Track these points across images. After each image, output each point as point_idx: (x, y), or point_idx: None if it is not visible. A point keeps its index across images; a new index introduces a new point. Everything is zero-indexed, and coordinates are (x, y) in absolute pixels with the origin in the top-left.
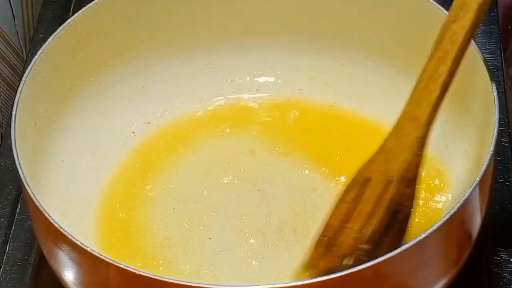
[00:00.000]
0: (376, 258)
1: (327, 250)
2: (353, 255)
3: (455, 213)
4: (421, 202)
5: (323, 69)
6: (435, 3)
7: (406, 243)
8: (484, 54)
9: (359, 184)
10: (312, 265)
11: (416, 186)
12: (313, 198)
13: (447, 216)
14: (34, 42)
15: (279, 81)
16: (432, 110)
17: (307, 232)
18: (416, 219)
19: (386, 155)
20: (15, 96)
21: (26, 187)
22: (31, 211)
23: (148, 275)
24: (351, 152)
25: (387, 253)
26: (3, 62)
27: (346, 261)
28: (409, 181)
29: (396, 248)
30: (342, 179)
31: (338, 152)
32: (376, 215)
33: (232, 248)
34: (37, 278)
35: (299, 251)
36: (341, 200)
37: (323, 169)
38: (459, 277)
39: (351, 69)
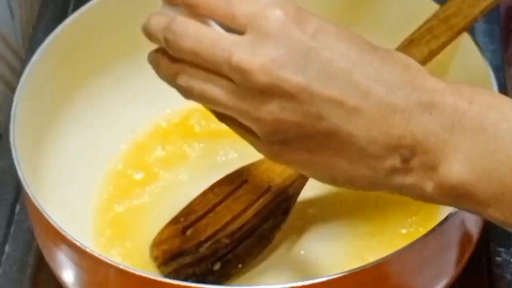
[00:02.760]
0: (233, 255)
1: (182, 231)
2: (210, 245)
3: (456, 213)
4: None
5: None
6: (434, 2)
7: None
8: (486, 54)
9: (234, 183)
10: (160, 241)
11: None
12: None
13: (448, 217)
14: (33, 42)
15: None
16: None
17: None
18: (416, 217)
19: (271, 165)
20: (14, 96)
21: (26, 187)
22: (30, 212)
23: (148, 276)
24: None
25: (245, 254)
26: (2, 62)
27: (201, 249)
28: (288, 196)
29: (253, 254)
30: None
31: None
32: (244, 215)
33: None
34: (36, 279)
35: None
36: (210, 190)
37: None
38: (460, 278)
39: None
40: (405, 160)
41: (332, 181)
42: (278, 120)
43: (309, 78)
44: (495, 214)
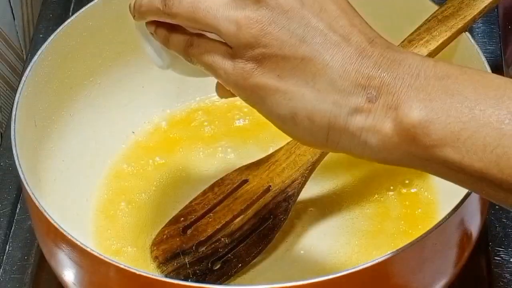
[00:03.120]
0: (233, 255)
1: (182, 230)
2: (210, 244)
3: (456, 213)
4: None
5: None
6: (433, 3)
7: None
8: (485, 54)
9: (234, 182)
10: (160, 240)
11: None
12: None
13: (448, 216)
14: (34, 42)
15: None
16: None
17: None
18: (415, 217)
19: (271, 165)
20: (15, 96)
21: (26, 187)
22: (31, 211)
23: (148, 275)
24: None
25: (245, 253)
26: (3, 62)
27: (201, 248)
28: (287, 196)
29: (253, 253)
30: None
31: None
32: (244, 215)
33: None
34: (37, 278)
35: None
36: (210, 190)
37: None
38: (459, 277)
39: None
40: (370, 100)
41: (291, 116)
42: (263, 31)
43: (304, 3)
44: (451, 154)
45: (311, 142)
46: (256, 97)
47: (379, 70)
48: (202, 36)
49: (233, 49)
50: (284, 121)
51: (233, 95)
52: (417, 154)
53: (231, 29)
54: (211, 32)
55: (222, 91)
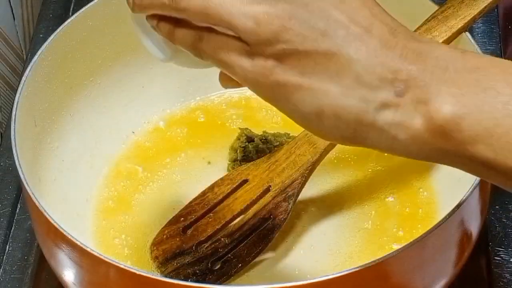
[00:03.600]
0: (233, 255)
1: (182, 230)
2: (210, 244)
3: (456, 213)
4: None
5: None
6: (433, 3)
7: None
8: (485, 54)
9: (234, 183)
10: (160, 240)
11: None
12: None
13: (448, 216)
14: (34, 42)
15: None
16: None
17: None
18: (415, 217)
19: (271, 165)
20: (15, 96)
21: (26, 187)
22: (31, 211)
23: (148, 275)
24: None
25: (245, 253)
26: (3, 62)
27: (201, 248)
28: (288, 196)
29: (253, 253)
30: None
31: None
32: (244, 215)
33: None
34: (37, 278)
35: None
36: (210, 190)
37: None
38: (459, 277)
39: None
40: (398, 94)
41: (316, 113)
42: (283, 27)
43: None
44: (484, 152)
45: (337, 139)
46: (278, 95)
47: (405, 62)
48: (212, 31)
49: (251, 46)
50: (309, 119)
51: (237, 85)
52: (448, 150)
53: (249, 26)
54: (224, 28)
55: (226, 81)
